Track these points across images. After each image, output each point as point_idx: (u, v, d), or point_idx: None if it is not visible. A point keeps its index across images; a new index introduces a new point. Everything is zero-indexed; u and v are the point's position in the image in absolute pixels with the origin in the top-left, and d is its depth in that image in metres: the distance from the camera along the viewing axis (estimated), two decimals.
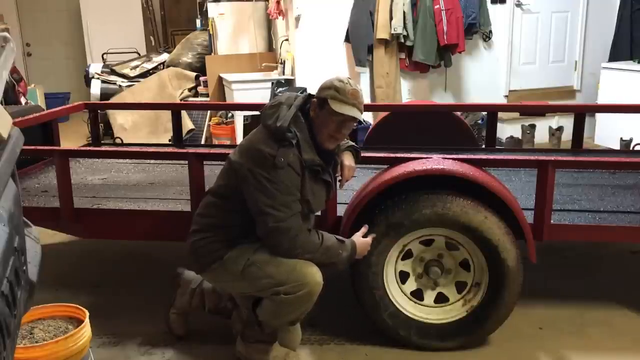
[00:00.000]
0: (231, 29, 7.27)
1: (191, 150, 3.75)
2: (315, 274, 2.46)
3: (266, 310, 2.56)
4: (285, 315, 2.53)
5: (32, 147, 3.38)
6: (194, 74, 7.35)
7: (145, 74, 7.72)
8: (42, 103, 7.96)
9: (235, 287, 2.65)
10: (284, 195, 2.40)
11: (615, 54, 7.08)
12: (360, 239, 2.65)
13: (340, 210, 2.95)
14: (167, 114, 5.78)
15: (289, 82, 6.49)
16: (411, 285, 2.88)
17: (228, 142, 6.40)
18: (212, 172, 3.15)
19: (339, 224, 2.88)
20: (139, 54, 8.79)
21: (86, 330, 2.49)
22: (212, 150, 4.56)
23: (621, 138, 5.72)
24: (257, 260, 2.47)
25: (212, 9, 7.22)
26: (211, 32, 7.29)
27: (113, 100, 7.05)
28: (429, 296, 2.89)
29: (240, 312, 2.77)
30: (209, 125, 6.83)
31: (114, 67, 7.86)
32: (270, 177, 2.38)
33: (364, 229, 2.69)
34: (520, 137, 6.21)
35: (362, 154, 2.81)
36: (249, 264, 2.47)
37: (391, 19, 6.30)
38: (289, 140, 2.40)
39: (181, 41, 8.08)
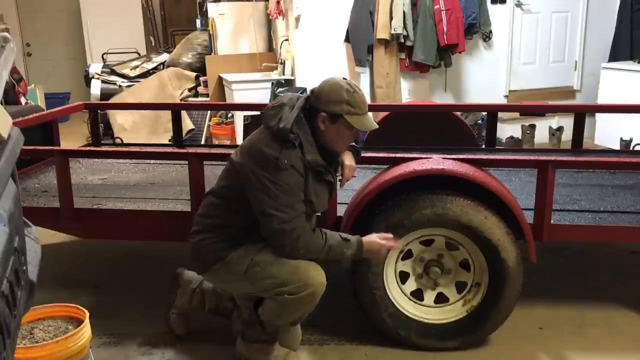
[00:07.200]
0: (231, 29, 7.26)
1: (191, 150, 3.75)
2: (318, 275, 2.46)
3: (269, 310, 2.56)
4: (288, 315, 2.53)
5: (32, 147, 3.38)
6: (194, 74, 7.35)
7: (145, 74, 7.71)
8: (42, 103, 7.96)
9: (238, 287, 2.65)
10: (288, 196, 2.39)
11: (615, 54, 7.08)
12: (372, 239, 2.55)
13: (341, 210, 2.94)
14: (167, 114, 5.78)
15: (289, 82, 6.49)
16: (411, 285, 2.88)
17: (228, 142, 6.41)
18: (212, 173, 3.15)
19: (339, 224, 2.87)
20: (139, 54, 8.78)
21: (86, 330, 2.49)
22: (212, 151, 4.57)
23: (621, 138, 5.73)
24: (260, 260, 2.47)
25: (212, 9, 7.21)
26: (211, 32, 7.29)
27: (113, 100, 7.05)
28: (429, 296, 2.88)
29: (241, 312, 2.76)
30: (209, 125, 6.83)
31: (114, 67, 7.86)
32: (274, 178, 2.37)
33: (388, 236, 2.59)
34: (520, 137, 6.21)
35: (362, 154, 2.81)
36: (253, 264, 2.47)
37: (391, 19, 6.30)
38: (291, 141, 2.39)
39: (181, 41, 8.08)
